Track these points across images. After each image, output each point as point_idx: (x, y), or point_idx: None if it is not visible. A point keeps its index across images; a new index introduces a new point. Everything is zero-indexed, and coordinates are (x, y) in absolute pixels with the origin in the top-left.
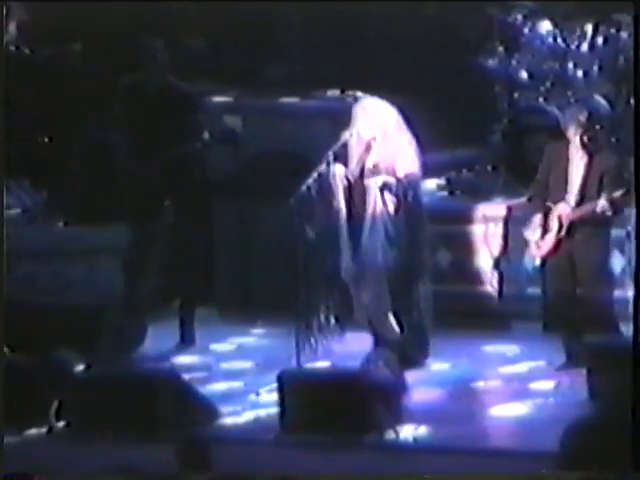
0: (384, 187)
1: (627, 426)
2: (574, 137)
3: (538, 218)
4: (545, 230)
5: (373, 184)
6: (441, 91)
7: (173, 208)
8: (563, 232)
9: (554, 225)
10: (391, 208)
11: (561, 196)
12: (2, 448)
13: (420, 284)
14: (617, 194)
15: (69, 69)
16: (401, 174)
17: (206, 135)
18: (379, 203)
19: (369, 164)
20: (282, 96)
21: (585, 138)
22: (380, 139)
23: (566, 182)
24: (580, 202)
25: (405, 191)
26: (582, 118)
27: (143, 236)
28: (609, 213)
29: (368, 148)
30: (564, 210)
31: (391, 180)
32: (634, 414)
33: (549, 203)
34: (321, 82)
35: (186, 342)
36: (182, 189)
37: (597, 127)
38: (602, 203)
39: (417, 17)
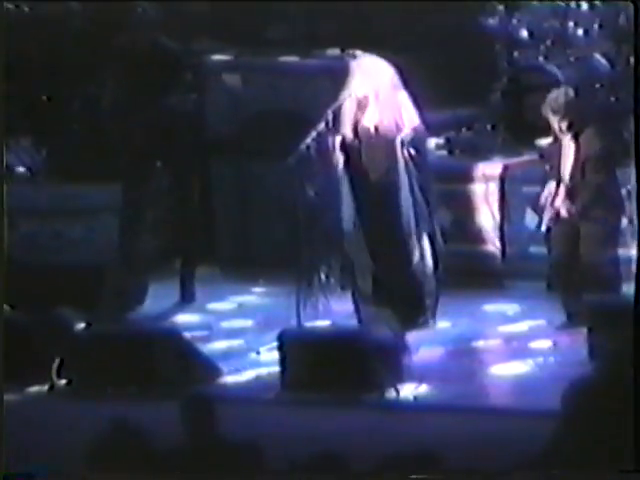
0: (403, 144)
1: (628, 385)
2: (553, 125)
3: (551, 187)
4: (552, 201)
5: (399, 141)
6: (441, 50)
7: (173, 167)
8: (558, 190)
9: (556, 202)
10: (417, 161)
11: (560, 177)
12: (2, 405)
13: (428, 242)
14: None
15: (68, 27)
16: (408, 128)
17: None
18: (407, 159)
19: (370, 125)
20: (282, 55)
21: (563, 126)
22: (373, 99)
23: (559, 165)
24: (571, 187)
25: (417, 144)
26: (557, 105)
27: (143, 195)
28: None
29: (361, 107)
30: (560, 192)
31: (407, 136)
32: (636, 373)
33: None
34: (321, 41)
35: (186, 300)
36: (182, 148)
37: (574, 113)
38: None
39: None
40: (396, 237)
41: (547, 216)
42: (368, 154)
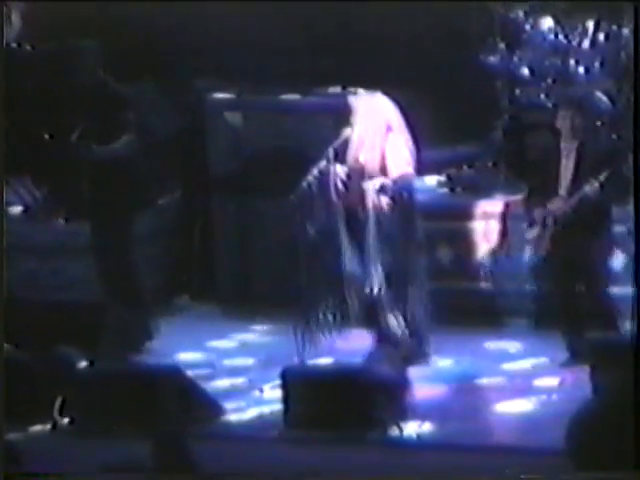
0: (381, 190)
1: (631, 422)
2: (563, 123)
3: (536, 215)
4: (544, 227)
5: (371, 187)
6: (442, 87)
7: (174, 204)
8: (558, 227)
9: (550, 221)
10: (387, 209)
11: (554, 190)
12: (3, 445)
13: (418, 282)
14: (603, 176)
15: (70, 65)
16: (394, 174)
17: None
18: (377, 205)
19: (361, 162)
20: (283, 93)
21: (577, 121)
22: (368, 139)
23: (558, 174)
24: (573, 191)
25: (400, 192)
26: (567, 105)
27: (143, 232)
28: (598, 196)
29: (358, 145)
30: (558, 204)
31: (387, 182)
32: (637, 410)
33: (545, 199)
34: (322, 79)
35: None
36: (183, 185)
37: (577, 112)
38: (589, 188)
39: (418, 13)
40: (387, 279)
41: (539, 245)
42: (355, 194)
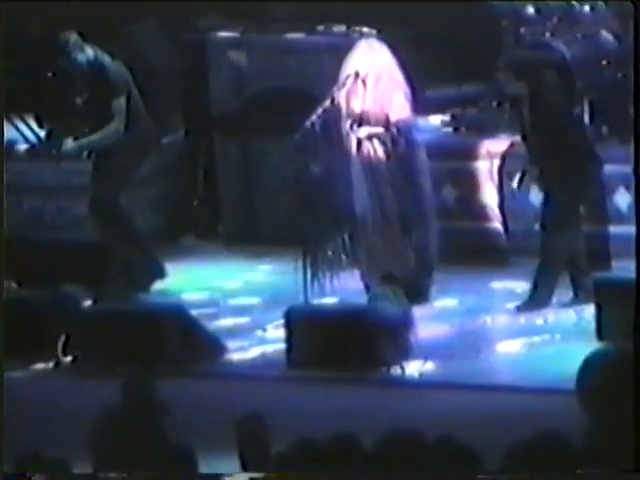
0: (370, 137)
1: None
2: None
3: (538, 154)
4: (545, 165)
5: (360, 134)
6: (447, 26)
7: (178, 144)
8: (561, 165)
9: (552, 160)
10: (381, 155)
11: (557, 127)
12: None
13: (424, 222)
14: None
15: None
16: (392, 120)
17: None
18: (371, 151)
19: (358, 110)
20: (287, 32)
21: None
22: (373, 81)
23: (560, 112)
24: (574, 129)
25: (395, 139)
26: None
27: (147, 173)
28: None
29: (362, 85)
30: (560, 142)
31: (377, 130)
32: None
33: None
34: (326, 17)
35: (159, 276)
36: (187, 125)
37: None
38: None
39: None
40: (392, 220)
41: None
42: (356, 135)
